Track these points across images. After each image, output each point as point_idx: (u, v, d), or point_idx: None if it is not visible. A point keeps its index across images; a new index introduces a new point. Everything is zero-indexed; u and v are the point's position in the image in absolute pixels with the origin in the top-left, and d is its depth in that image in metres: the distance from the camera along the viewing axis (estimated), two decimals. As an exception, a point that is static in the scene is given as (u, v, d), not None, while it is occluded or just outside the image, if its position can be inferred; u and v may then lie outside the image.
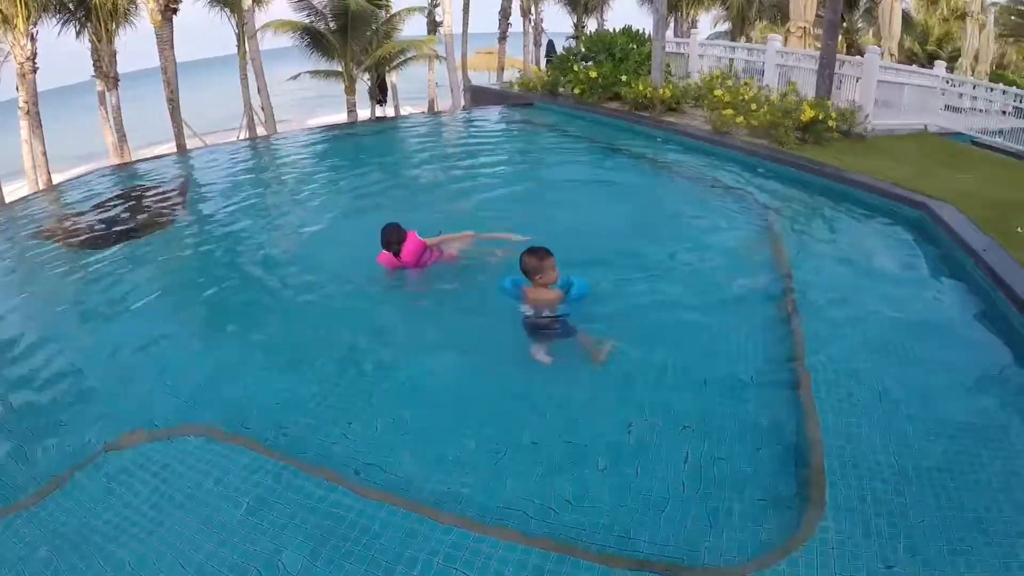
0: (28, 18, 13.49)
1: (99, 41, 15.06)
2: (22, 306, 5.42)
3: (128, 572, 2.49)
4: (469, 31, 21.15)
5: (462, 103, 19.96)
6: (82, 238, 6.79)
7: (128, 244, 6.47)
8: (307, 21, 16.12)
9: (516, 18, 22.80)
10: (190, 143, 15.43)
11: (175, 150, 14.36)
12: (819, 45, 11.67)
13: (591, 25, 23.69)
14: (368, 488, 2.85)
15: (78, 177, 9.95)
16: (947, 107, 11.37)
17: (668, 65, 13.10)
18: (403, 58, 17.89)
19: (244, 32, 16.67)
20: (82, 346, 4.56)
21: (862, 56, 10.62)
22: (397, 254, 4.91)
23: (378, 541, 2.54)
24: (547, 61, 22.40)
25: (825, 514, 2.59)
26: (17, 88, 14.18)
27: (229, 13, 16.90)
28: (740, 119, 10.04)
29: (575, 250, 4.81)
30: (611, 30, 14.84)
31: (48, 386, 4.04)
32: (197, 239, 6.65)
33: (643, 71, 13.04)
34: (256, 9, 17.43)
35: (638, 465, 3.00)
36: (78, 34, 15.35)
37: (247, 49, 16.86)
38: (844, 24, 20.10)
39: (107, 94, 15.86)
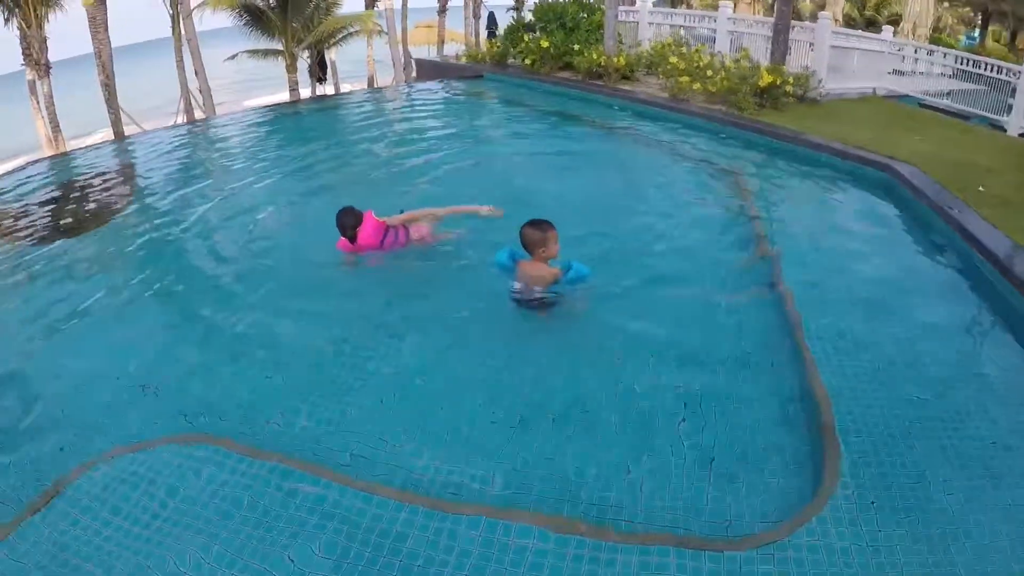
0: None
1: (28, 27, 13.76)
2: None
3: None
4: (408, 5, 20.43)
5: (403, 78, 19.30)
6: (24, 234, 6.22)
7: (74, 239, 5.95)
8: (245, -2, 15.15)
9: (455, -10, 22.07)
10: (127, 130, 14.31)
11: (112, 137, 13.29)
12: (767, 12, 11.61)
13: (531, -4, 23.15)
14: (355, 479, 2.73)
15: (11, 172, 9.06)
16: (893, 71, 11.54)
17: (620, 34, 12.86)
18: (345, 32, 17.22)
19: (179, 12, 15.54)
20: (34, 353, 4.07)
21: (803, 22, 10.64)
22: (354, 239, 4.59)
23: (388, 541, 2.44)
24: (488, 33, 21.86)
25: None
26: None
27: (163, -8, 15.66)
28: (697, 85, 9.91)
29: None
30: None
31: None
32: (146, 231, 6.13)
33: (594, 40, 12.77)
34: (192, -13, 16.22)
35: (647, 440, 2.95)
36: (7, 21, 14.02)
37: (183, 30, 15.74)
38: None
39: (38, 83, 14.53)
